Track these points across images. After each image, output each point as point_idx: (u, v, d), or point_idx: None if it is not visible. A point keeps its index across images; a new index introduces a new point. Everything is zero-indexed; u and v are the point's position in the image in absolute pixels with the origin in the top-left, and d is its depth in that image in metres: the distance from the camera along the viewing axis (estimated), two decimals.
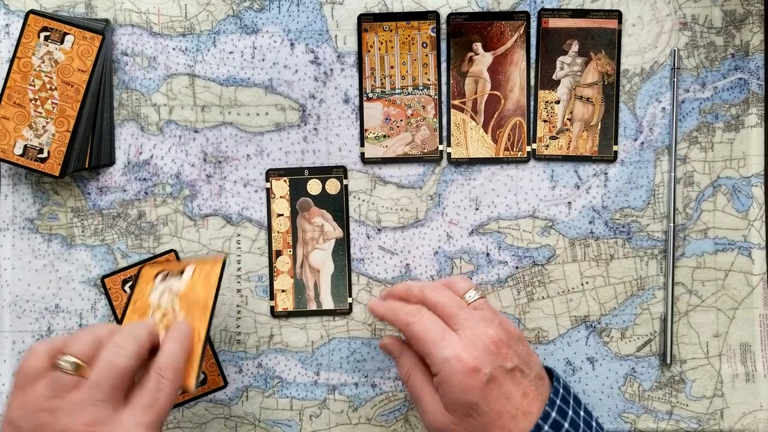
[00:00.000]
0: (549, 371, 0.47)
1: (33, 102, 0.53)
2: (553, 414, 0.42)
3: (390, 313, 0.47)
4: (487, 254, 0.57)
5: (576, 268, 0.57)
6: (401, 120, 0.57)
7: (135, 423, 0.39)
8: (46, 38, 0.53)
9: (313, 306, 0.57)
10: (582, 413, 0.44)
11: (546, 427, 0.42)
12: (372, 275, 0.57)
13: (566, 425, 0.42)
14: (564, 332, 0.57)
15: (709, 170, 0.57)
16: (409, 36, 0.57)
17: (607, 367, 0.57)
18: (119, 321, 0.56)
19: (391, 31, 0.57)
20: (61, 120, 0.53)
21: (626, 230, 0.57)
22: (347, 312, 0.57)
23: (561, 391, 0.44)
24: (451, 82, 0.57)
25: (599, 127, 0.57)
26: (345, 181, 0.57)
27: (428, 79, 0.57)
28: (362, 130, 0.57)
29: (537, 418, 0.42)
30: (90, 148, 0.55)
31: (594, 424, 0.44)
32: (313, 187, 0.57)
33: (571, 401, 0.44)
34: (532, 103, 0.57)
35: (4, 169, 0.57)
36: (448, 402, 0.43)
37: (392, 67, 0.57)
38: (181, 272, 0.51)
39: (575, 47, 0.57)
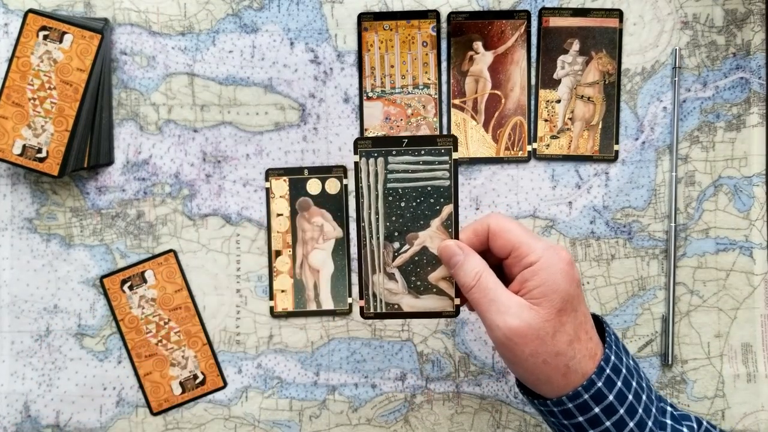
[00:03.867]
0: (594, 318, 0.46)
1: (32, 101, 0.53)
2: (612, 358, 0.41)
3: (467, 229, 0.45)
4: None
5: (577, 268, 0.57)
6: (401, 119, 0.57)
7: None
8: (45, 37, 0.52)
9: (312, 306, 0.57)
10: (632, 362, 0.43)
11: (608, 371, 0.41)
12: None
13: (624, 371, 0.42)
14: None
15: (711, 170, 0.57)
16: (409, 35, 0.57)
17: None
18: (117, 322, 0.56)
19: (391, 30, 0.57)
20: (60, 119, 0.53)
21: (627, 230, 0.57)
22: (347, 312, 0.57)
23: (614, 336, 0.43)
24: (452, 81, 0.57)
25: (600, 127, 0.57)
26: (345, 181, 0.57)
27: (428, 79, 0.57)
28: (362, 130, 0.57)
29: (601, 357, 0.41)
30: (89, 147, 0.54)
31: (643, 374, 0.44)
32: (313, 186, 0.57)
33: (622, 350, 0.44)
34: (532, 102, 0.57)
35: (3, 168, 0.57)
36: (545, 291, 0.40)
37: (392, 66, 0.57)
38: None
39: (576, 46, 0.57)
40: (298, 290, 0.57)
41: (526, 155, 0.57)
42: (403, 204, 0.45)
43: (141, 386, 0.56)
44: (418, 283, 0.45)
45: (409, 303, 0.46)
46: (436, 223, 0.45)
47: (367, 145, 0.44)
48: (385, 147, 0.44)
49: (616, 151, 0.57)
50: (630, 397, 0.41)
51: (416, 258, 0.45)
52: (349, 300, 0.57)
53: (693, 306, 0.57)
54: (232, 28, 0.57)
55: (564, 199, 0.57)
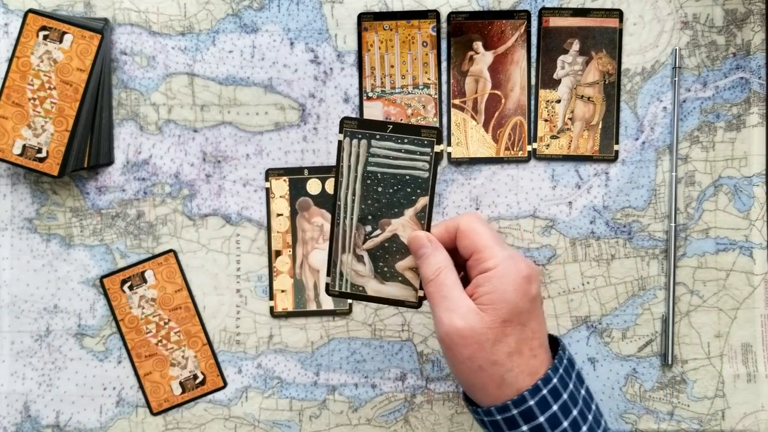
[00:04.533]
0: (554, 340, 0.45)
1: (32, 101, 0.53)
2: (554, 380, 0.41)
3: (440, 224, 0.45)
4: None
5: (577, 268, 0.57)
6: (401, 119, 0.57)
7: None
8: (45, 37, 0.52)
9: (312, 306, 0.57)
10: (583, 392, 0.43)
11: (544, 391, 0.40)
12: None
13: (565, 396, 0.41)
14: (565, 333, 0.57)
15: (711, 170, 0.57)
16: (409, 35, 0.57)
17: (608, 368, 0.57)
18: (117, 322, 0.56)
19: (391, 30, 0.57)
20: (60, 119, 0.53)
21: (627, 230, 0.57)
22: (347, 312, 0.57)
23: (565, 361, 0.43)
24: (452, 81, 0.57)
25: (600, 127, 0.57)
26: None
27: (428, 79, 0.57)
28: None
29: (539, 377, 0.40)
30: (89, 147, 0.54)
31: (594, 407, 0.43)
32: (313, 186, 0.57)
33: (573, 377, 0.43)
34: (532, 102, 0.57)
35: (3, 168, 0.57)
36: (493, 299, 0.40)
37: (392, 67, 0.57)
38: None
39: (576, 46, 0.57)
40: (298, 290, 0.57)
41: (526, 155, 0.57)
42: (380, 189, 0.45)
43: (141, 386, 0.56)
44: (385, 269, 0.46)
45: (373, 287, 0.46)
46: (410, 212, 0.45)
47: (352, 126, 0.45)
48: (370, 130, 0.45)
49: (616, 151, 0.57)
50: (565, 423, 0.40)
51: (386, 244, 0.46)
52: (349, 300, 0.57)
53: (693, 306, 0.57)
54: (232, 28, 0.57)
55: (564, 199, 0.57)
